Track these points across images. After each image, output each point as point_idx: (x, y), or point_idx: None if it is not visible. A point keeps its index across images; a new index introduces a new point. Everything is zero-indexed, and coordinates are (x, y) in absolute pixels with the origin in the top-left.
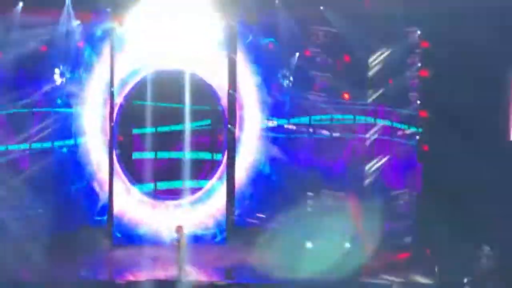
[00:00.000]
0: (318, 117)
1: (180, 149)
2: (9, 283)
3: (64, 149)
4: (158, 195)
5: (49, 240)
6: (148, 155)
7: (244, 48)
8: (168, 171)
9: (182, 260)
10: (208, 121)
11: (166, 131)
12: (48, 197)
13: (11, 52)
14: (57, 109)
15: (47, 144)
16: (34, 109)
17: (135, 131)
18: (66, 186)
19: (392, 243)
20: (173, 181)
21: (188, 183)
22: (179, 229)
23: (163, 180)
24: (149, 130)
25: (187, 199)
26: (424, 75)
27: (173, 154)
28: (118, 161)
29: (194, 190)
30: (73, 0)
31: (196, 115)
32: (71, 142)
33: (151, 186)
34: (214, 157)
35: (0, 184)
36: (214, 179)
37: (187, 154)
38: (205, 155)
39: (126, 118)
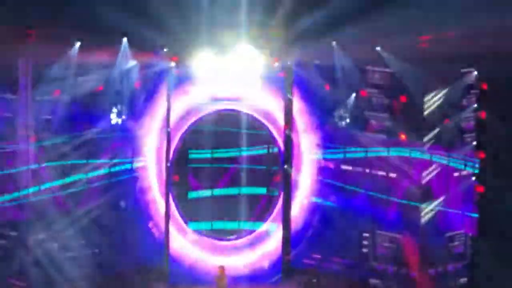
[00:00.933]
0: (374, 154)
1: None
2: None
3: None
4: (214, 235)
5: (103, 281)
6: (204, 193)
7: (300, 89)
8: (225, 210)
9: None
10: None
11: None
12: (104, 236)
13: (68, 91)
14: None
15: (105, 182)
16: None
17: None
18: (123, 225)
19: (448, 285)
20: (229, 222)
21: (244, 224)
22: (220, 269)
23: (219, 220)
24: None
25: (243, 239)
26: (480, 116)
27: (230, 191)
28: (174, 201)
29: (250, 231)
30: (130, 40)
31: (253, 157)
32: (126, 177)
33: (207, 225)
34: (270, 199)
35: (56, 221)
36: (269, 220)
37: (244, 194)
38: (262, 195)
39: (182, 158)
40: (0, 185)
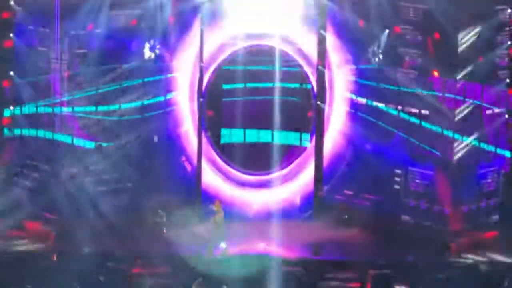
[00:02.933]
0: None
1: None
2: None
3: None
4: (247, 170)
5: (134, 216)
6: (237, 132)
7: (334, 25)
8: (259, 149)
9: (218, 235)
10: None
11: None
12: (137, 170)
13: (102, 25)
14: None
15: (138, 116)
16: (124, 83)
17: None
18: (155, 160)
19: (480, 222)
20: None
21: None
22: (217, 203)
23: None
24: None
25: (276, 174)
26: None
27: (262, 134)
28: (207, 136)
29: (283, 166)
30: None
31: (285, 92)
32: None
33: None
34: (303, 135)
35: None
36: (302, 157)
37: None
38: (294, 134)
39: (216, 93)
40: (35, 119)
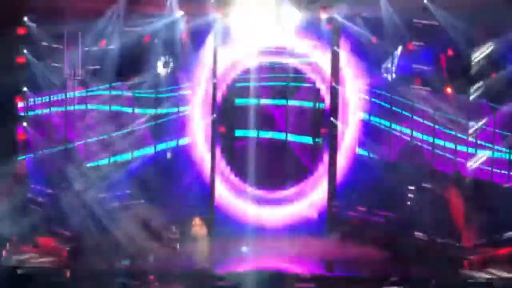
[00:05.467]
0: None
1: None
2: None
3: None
4: (260, 186)
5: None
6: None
7: (347, 42)
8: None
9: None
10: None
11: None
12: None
13: (115, 42)
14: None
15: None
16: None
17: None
18: (168, 176)
19: (494, 238)
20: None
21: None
22: (195, 222)
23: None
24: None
25: (288, 190)
26: None
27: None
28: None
29: (296, 183)
30: None
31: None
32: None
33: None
34: (316, 153)
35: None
36: (316, 173)
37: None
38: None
39: (228, 110)
40: (50, 134)
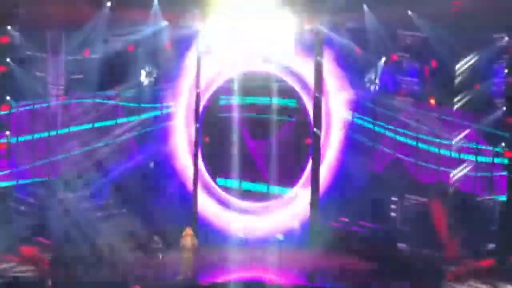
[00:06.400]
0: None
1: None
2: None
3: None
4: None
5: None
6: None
7: (331, 52)
8: (254, 172)
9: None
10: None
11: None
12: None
13: (98, 51)
14: (142, 109)
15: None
16: (120, 106)
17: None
18: (151, 186)
19: (476, 250)
20: (258, 184)
21: (272, 188)
22: (189, 229)
23: (248, 181)
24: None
25: (271, 201)
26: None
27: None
28: (203, 160)
29: (278, 194)
30: (161, 0)
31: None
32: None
33: (236, 183)
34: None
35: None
36: (299, 185)
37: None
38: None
39: (212, 119)
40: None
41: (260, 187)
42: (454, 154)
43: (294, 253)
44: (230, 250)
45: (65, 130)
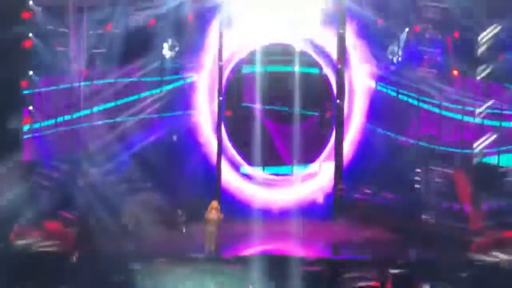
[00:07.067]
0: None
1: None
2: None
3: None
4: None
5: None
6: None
7: (353, 24)
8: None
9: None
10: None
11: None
12: (156, 170)
13: (120, 25)
14: (165, 83)
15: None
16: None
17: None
18: (175, 160)
19: (500, 221)
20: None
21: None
22: (212, 205)
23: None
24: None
25: (295, 174)
26: None
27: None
28: (228, 136)
29: (303, 167)
30: None
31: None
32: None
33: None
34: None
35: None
36: (322, 156)
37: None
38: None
39: (234, 92)
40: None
41: (283, 169)
42: (478, 124)
43: (318, 226)
44: (254, 224)
45: (88, 105)
